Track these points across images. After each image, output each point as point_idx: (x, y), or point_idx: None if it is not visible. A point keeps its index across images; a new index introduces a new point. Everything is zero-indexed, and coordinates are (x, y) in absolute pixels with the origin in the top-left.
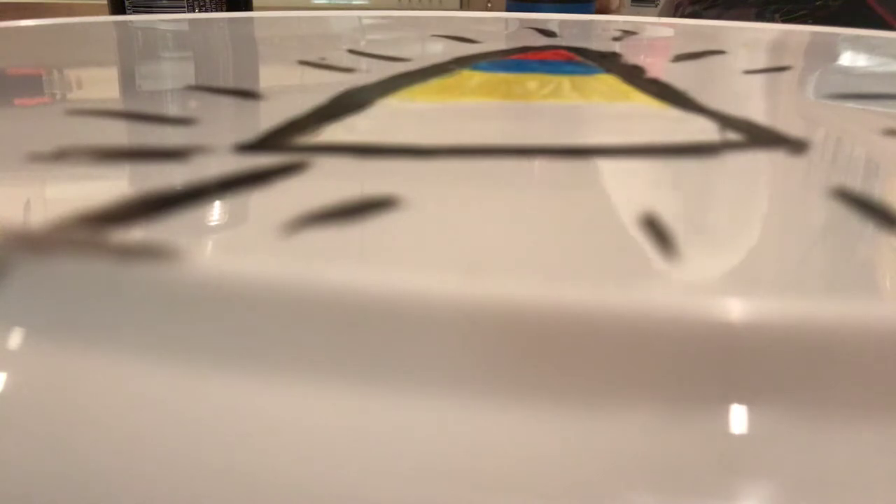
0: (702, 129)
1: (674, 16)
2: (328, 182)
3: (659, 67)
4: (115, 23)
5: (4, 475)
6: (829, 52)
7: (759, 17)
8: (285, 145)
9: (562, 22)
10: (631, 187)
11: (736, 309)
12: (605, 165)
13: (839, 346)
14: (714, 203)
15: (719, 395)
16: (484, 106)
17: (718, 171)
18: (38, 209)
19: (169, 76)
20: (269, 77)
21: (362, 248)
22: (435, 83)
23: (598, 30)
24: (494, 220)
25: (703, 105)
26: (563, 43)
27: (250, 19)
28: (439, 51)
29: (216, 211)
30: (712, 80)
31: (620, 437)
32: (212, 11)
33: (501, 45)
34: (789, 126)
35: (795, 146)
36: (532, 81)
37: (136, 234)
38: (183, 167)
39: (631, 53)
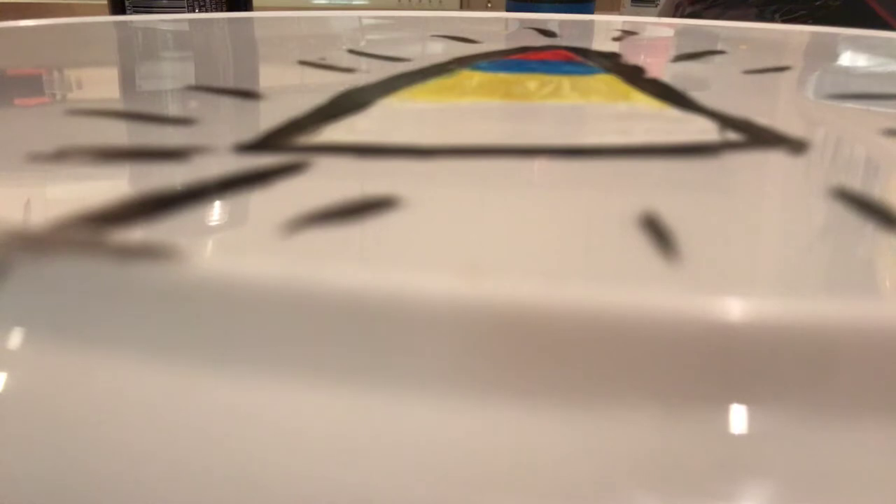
0: (702, 129)
1: (674, 16)
2: (328, 182)
3: (659, 67)
4: (115, 23)
5: (4, 475)
6: (829, 52)
7: (759, 17)
8: (285, 145)
9: (562, 22)
10: (631, 187)
11: (736, 309)
12: (605, 165)
13: (839, 346)
14: (714, 203)
15: (719, 395)
16: (484, 106)
17: (718, 172)
18: (38, 209)
19: (169, 76)
20: (269, 77)
21: (362, 248)
22: (435, 83)
23: (597, 30)
24: (494, 220)
25: (703, 105)
26: (563, 43)
27: (250, 19)
28: (439, 51)
29: (216, 211)
30: (712, 80)
31: (620, 437)
32: (212, 11)
33: (501, 46)
34: (789, 126)
35: (795, 146)
36: (532, 81)
37: (137, 234)
38: (183, 167)
39: (631, 53)
